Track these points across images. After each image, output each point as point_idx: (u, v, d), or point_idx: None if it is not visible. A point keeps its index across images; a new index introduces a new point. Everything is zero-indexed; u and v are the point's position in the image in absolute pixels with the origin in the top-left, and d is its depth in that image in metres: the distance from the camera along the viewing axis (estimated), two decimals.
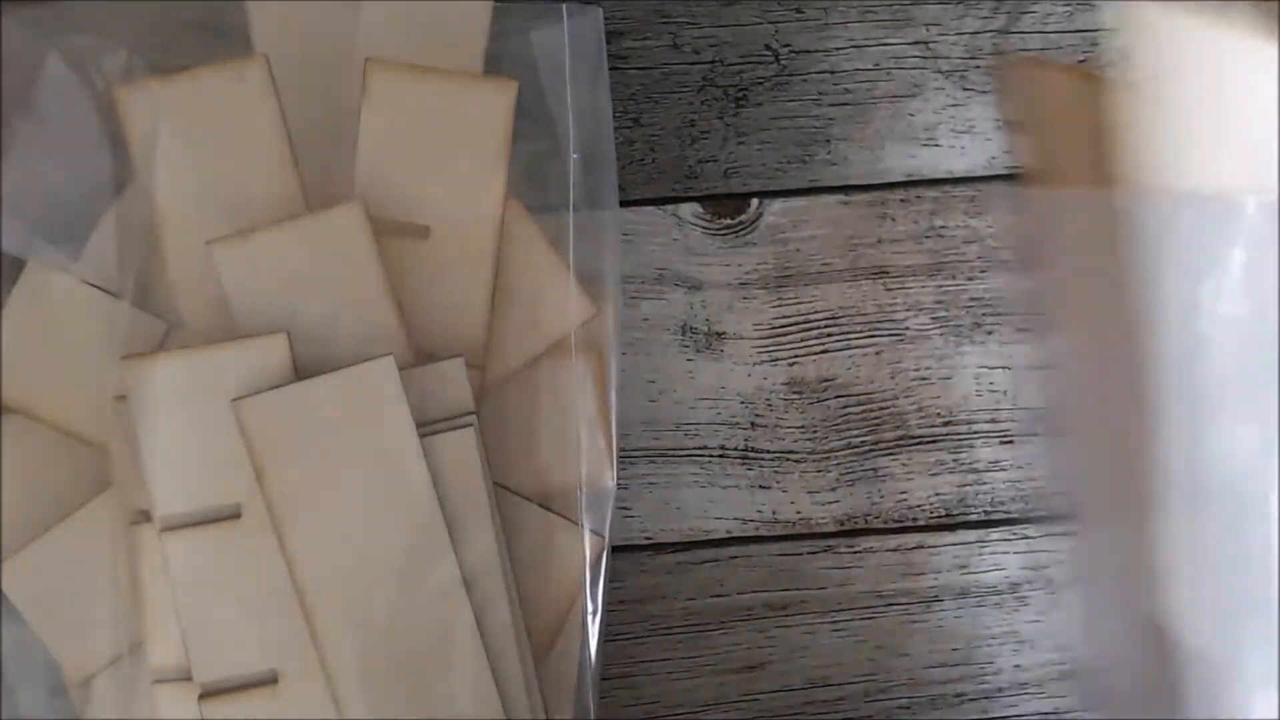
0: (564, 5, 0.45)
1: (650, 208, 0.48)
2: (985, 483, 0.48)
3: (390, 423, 0.41)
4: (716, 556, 0.48)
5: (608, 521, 0.45)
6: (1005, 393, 0.48)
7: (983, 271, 0.49)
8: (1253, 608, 0.37)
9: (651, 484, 0.48)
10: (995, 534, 0.48)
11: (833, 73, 0.48)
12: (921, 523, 0.48)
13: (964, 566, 0.48)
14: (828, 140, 0.49)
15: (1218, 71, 0.36)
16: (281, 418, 0.40)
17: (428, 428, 0.41)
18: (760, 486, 0.48)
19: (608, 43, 0.47)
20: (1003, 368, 0.48)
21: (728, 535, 0.48)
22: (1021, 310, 0.48)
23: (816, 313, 0.49)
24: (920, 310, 0.48)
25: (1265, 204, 0.36)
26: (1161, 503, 0.39)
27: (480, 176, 0.43)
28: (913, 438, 0.48)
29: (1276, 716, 0.38)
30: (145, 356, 0.41)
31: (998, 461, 0.48)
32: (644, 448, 0.48)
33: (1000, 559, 0.48)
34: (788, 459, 0.48)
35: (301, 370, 0.41)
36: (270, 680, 0.41)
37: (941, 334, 0.48)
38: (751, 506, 0.48)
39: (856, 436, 0.48)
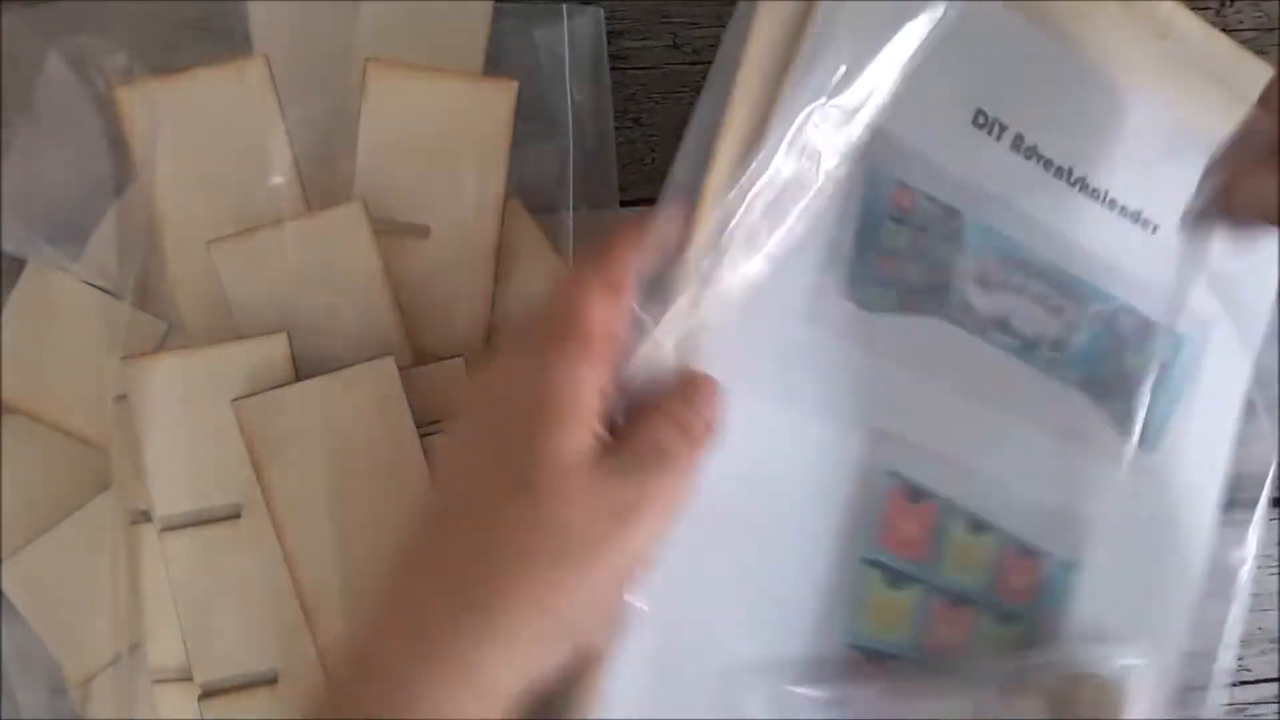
0: (564, 5, 0.45)
1: (650, 208, 0.48)
2: None
3: (390, 423, 0.41)
4: None
5: None
6: None
7: None
8: None
9: None
10: None
11: None
12: None
13: None
14: None
15: None
16: (281, 418, 0.40)
17: (428, 428, 0.41)
18: None
19: (608, 43, 0.46)
20: None
21: None
22: None
23: None
24: None
25: None
26: None
27: (480, 176, 0.43)
28: None
29: None
30: (145, 356, 0.41)
31: None
32: None
33: None
34: None
35: (302, 370, 0.41)
36: (270, 680, 0.41)
37: None
38: None
39: None
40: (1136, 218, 0.42)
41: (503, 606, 0.31)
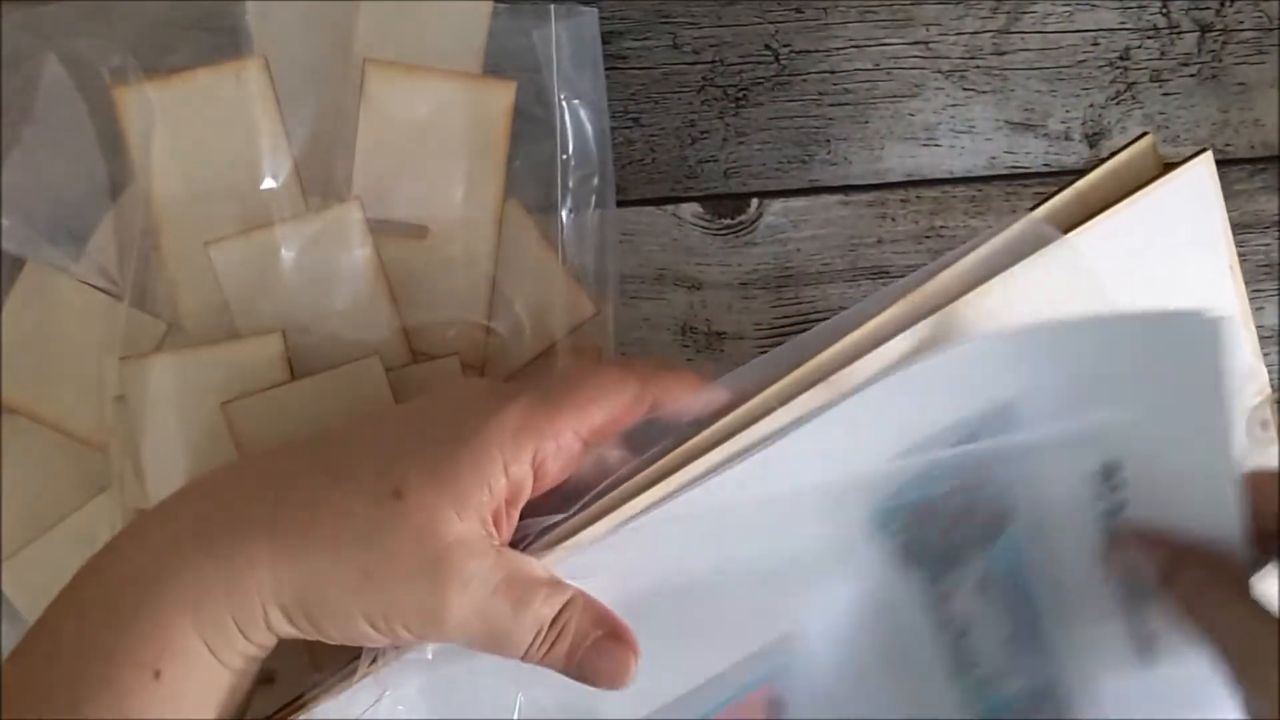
0: (552, 6, 0.44)
1: (650, 208, 0.48)
2: None
3: None
4: None
5: None
6: None
7: None
8: None
9: None
10: None
11: (833, 73, 0.48)
12: None
13: None
14: (828, 140, 0.48)
15: None
16: (272, 419, 0.40)
17: None
18: None
19: (607, 43, 0.46)
20: None
21: None
22: None
23: (816, 312, 0.49)
24: None
25: None
26: None
27: (479, 176, 0.43)
28: None
29: None
30: (144, 357, 0.41)
31: None
32: None
33: None
34: None
35: (298, 370, 0.41)
36: (269, 679, 0.41)
37: None
38: None
39: None
40: (1146, 646, 0.40)
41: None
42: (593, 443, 0.34)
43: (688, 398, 0.35)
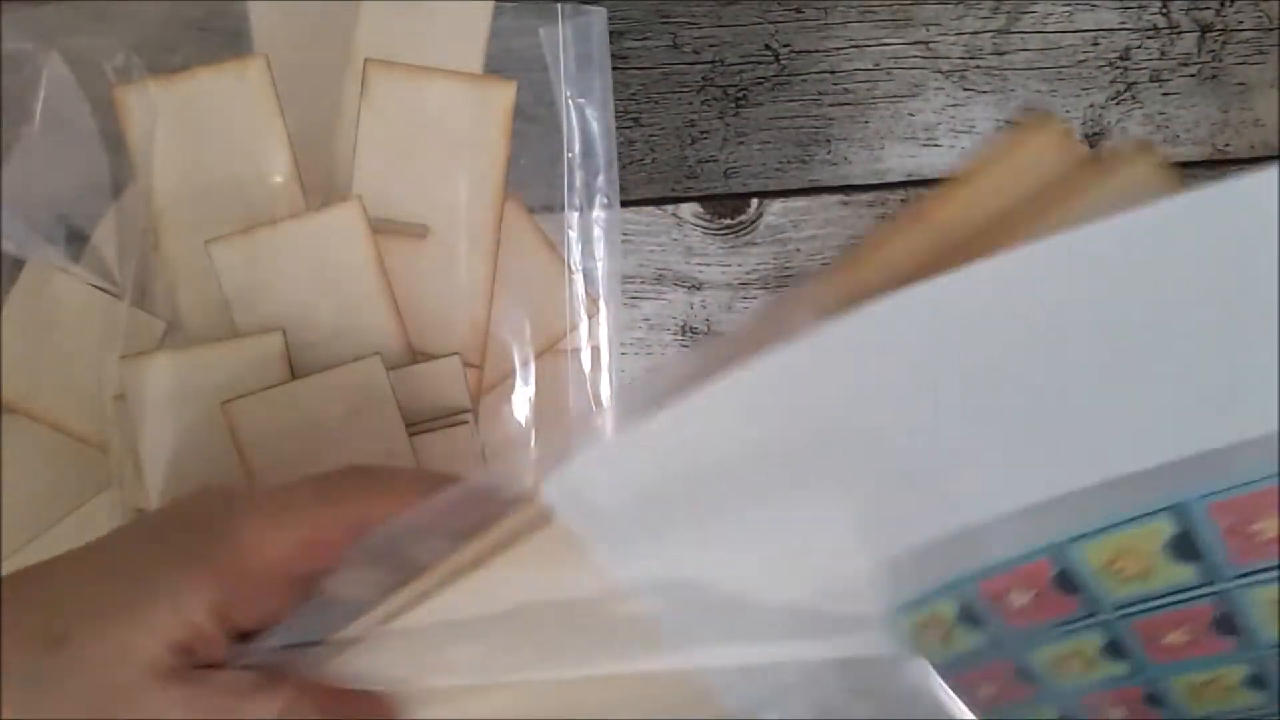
0: (560, 6, 0.45)
1: (650, 208, 0.48)
2: None
3: (379, 422, 0.41)
4: None
5: None
6: None
7: None
8: None
9: None
10: None
11: (833, 73, 0.48)
12: None
13: None
14: (828, 140, 0.48)
15: None
16: (272, 418, 0.40)
17: (422, 425, 0.41)
18: None
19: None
20: None
21: None
22: None
23: None
24: None
25: None
26: None
27: (479, 176, 0.43)
28: None
29: None
30: (143, 356, 0.41)
31: None
32: None
33: None
34: None
35: (298, 369, 0.41)
36: None
37: None
38: None
39: None
40: None
41: None
42: (296, 576, 0.32)
43: (403, 514, 0.31)
